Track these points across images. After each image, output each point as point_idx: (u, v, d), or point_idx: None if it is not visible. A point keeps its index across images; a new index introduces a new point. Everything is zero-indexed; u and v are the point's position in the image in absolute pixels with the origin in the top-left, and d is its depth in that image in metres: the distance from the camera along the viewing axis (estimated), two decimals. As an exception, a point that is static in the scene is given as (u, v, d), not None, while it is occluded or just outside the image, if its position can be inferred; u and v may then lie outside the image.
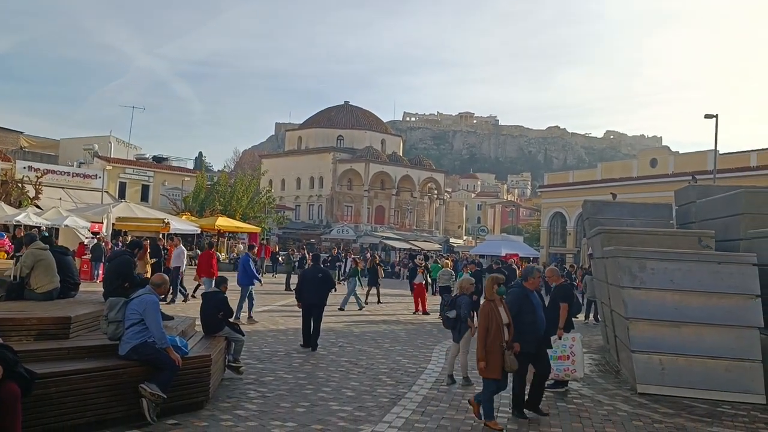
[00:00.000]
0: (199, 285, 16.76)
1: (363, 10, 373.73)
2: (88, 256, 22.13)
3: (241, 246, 40.22)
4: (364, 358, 10.66)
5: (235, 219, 40.46)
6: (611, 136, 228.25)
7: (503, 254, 38.35)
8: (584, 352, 9.57)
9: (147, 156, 49.33)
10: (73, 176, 39.93)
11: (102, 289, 9.21)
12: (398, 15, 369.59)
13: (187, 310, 14.49)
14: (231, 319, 9.00)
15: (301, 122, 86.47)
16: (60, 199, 35.22)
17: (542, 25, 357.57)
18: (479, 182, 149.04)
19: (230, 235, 41.35)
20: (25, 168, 36.15)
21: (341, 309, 17.77)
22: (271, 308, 17.16)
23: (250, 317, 14.15)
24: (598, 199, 17.80)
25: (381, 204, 69.19)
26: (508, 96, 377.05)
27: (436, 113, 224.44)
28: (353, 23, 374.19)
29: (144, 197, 43.65)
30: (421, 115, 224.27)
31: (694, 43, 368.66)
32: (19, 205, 30.55)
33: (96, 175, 41.18)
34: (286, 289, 22.97)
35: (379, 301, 20.60)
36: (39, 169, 36.23)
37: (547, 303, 8.75)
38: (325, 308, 11.89)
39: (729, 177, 32.00)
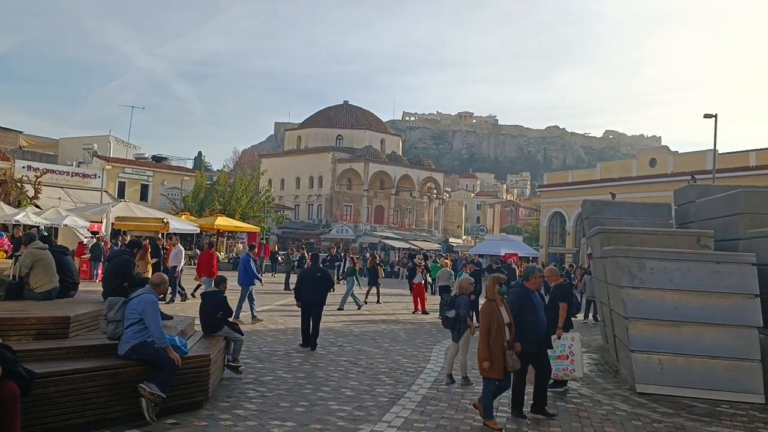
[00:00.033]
0: (199, 285, 16.76)
1: (363, 9, 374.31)
2: (87, 256, 22.13)
3: (240, 245, 40.26)
4: (364, 358, 10.66)
5: (235, 219, 40.49)
6: (610, 136, 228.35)
7: (502, 254, 38.40)
8: (583, 351, 9.57)
9: (146, 156, 49.32)
10: (72, 176, 39.93)
11: (101, 289, 9.22)
12: (398, 15, 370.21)
13: (186, 309, 14.48)
14: (230, 319, 8.99)
15: (301, 122, 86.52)
16: (59, 198, 35.21)
17: (542, 25, 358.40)
18: (478, 182, 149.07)
19: (229, 234, 41.37)
20: (24, 167, 36.16)
21: (340, 309, 17.78)
22: (270, 308, 17.16)
23: (254, 317, 14.16)
24: (598, 199, 17.80)
25: (380, 204, 69.22)
26: (508, 96, 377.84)
27: (435, 113, 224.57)
28: (353, 23, 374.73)
29: (143, 197, 43.65)
30: (420, 114, 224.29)
31: (694, 43, 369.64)
32: (18, 205, 30.53)
33: (95, 174, 41.18)
34: (285, 289, 22.98)
35: (378, 301, 20.60)
36: (38, 169, 36.24)
37: (546, 303, 8.75)
38: (324, 308, 11.89)
39: (728, 177, 32.03)
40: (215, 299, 8.80)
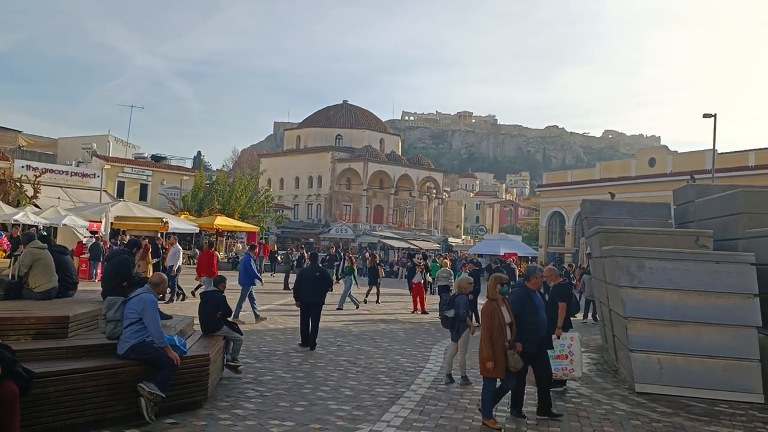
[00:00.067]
0: (200, 285, 16.75)
1: (361, 8, 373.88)
2: (86, 256, 22.11)
3: (239, 245, 40.23)
4: (363, 358, 10.67)
5: (234, 218, 40.48)
6: (610, 136, 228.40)
7: (502, 253, 38.43)
8: (582, 351, 9.58)
9: (145, 155, 49.28)
10: (71, 175, 39.87)
11: (100, 288, 9.22)
12: (397, 14, 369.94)
13: (185, 309, 14.48)
14: (230, 319, 8.99)
15: (300, 121, 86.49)
16: (58, 198, 35.16)
17: (542, 24, 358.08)
18: (478, 181, 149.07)
19: (229, 234, 41.35)
20: (23, 167, 36.08)
21: (339, 308, 17.79)
22: (269, 307, 17.14)
23: (257, 316, 14.16)
24: (597, 199, 17.82)
25: (380, 203, 69.23)
26: (507, 95, 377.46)
27: (434, 112, 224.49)
28: (352, 22, 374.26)
29: (142, 196, 43.60)
30: (419, 114, 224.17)
31: (693, 43, 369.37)
32: (17, 204, 30.48)
33: (94, 174, 41.13)
34: (284, 288, 22.98)
35: (378, 301, 20.61)
36: (37, 168, 36.17)
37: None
38: (324, 307, 11.90)
39: (727, 176, 32.05)
40: (214, 299, 8.80)
